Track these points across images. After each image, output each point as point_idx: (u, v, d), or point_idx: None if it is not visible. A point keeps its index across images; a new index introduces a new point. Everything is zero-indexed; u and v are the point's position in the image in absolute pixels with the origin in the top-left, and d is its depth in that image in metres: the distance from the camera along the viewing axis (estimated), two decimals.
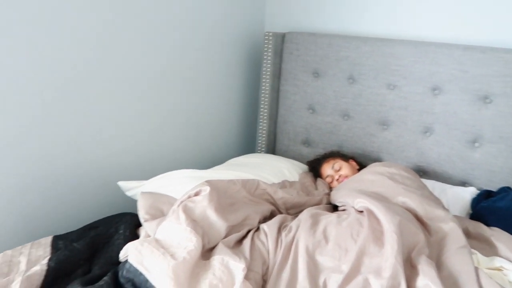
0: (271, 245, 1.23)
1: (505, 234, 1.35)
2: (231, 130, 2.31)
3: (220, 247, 1.19)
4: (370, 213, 1.30)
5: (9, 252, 1.16)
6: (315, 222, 1.32)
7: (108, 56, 1.56)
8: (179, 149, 1.98)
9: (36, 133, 1.41)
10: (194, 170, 1.66)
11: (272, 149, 2.28)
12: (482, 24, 1.69)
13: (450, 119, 1.74)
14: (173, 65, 1.84)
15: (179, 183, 1.53)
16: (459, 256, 1.19)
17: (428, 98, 1.78)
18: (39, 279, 1.04)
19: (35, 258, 1.15)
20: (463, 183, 1.78)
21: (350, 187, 1.57)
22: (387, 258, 1.13)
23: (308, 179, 1.81)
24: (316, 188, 1.75)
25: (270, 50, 2.07)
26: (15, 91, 1.32)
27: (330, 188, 1.77)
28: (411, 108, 1.83)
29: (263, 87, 2.14)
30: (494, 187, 1.68)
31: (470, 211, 1.61)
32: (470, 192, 1.67)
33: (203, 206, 1.27)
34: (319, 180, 1.83)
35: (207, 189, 1.32)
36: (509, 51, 1.58)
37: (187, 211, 1.25)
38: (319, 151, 2.11)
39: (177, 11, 1.77)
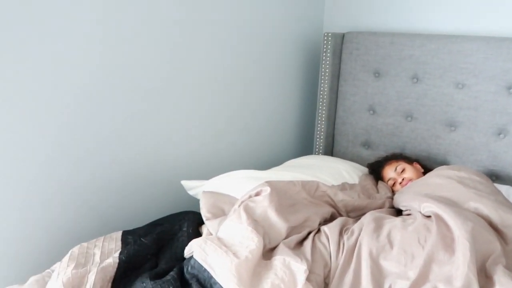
0: (333, 247, 1.21)
1: None
2: (288, 131, 2.30)
3: (282, 248, 1.19)
4: (439, 218, 1.23)
5: (85, 244, 1.25)
6: (378, 226, 1.28)
7: (175, 63, 1.63)
8: (238, 150, 2.02)
9: (112, 138, 1.51)
10: (253, 170, 1.67)
11: (330, 151, 2.24)
12: None
13: None
14: (234, 68, 1.87)
15: (239, 183, 1.55)
16: None
17: (502, 97, 1.66)
18: (112, 271, 1.10)
19: (108, 251, 1.23)
20: None
21: (415, 190, 1.50)
22: (459, 266, 1.07)
23: (369, 182, 1.76)
24: (378, 191, 1.70)
25: (329, 50, 2.05)
26: (91, 94, 1.42)
27: (393, 192, 1.71)
28: (482, 108, 1.72)
29: (322, 88, 2.12)
30: None
31: None
32: None
33: (264, 206, 1.28)
34: (380, 183, 1.77)
35: (267, 189, 1.33)
36: None
37: (248, 211, 1.27)
38: (380, 153, 2.05)
39: (235, 14, 1.80)
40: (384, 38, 1.92)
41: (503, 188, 1.57)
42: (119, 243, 1.27)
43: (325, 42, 2.05)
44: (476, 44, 1.68)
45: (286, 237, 1.25)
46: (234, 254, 1.11)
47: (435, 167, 1.86)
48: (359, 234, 1.26)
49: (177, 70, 1.65)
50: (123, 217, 1.63)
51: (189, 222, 1.41)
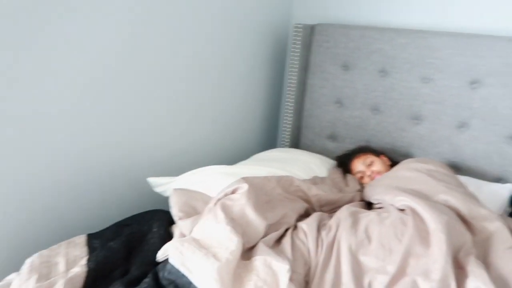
0: (311, 245, 1.20)
1: None
2: (254, 124, 2.26)
3: (261, 247, 1.15)
4: (414, 212, 1.25)
5: (45, 252, 1.13)
6: (355, 220, 1.28)
7: (136, 53, 1.51)
8: (204, 144, 1.95)
9: (67, 132, 1.38)
10: (225, 166, 1.62)
11: (296, 144, 2.24)
12: None
13: (489, 114, 1.68)
14: (199, 61, 1.78)
15: (211, 180, 1.49)
16: (508, 257, 1.14)
17: (465, 92, 1.72)
18: (81, 281, 1.01)
19: (73, 259, 1.13)
20: (499, 180, 1.72)
21: (386, 183, 1.52)
22: (436, 259, 1.08)
23: (338, 175, 1.77)
24: (347, 185, 1.71)
25: (299, 42, 2.02)
26: (50, 89, 1.29)
27: (361, 185, 1.73)
28: (446, 102, 1.77)
29: (290, 80, 2.09)
30: None
31: (509, 209, 1.55)
32: (507, 189, 1.61)
33: (242, 204, 1.24)
34: (349, 176, 1.78)
35: (244, 186, 1.28)
36: None
37: (225, 210, 1.22)
38: (346, 145, 2.07)
39: (200, 5, 1.70)
40: (354, 31, 1.92)
41: (462, 179, 1.63)
42: (85, 249, 1.17)
43: (295, 33, 2.02)
44: (443, 40, 1.71)
45: (264, 235, 1.22)
46: (214, 256, 1.06)
47: (400, 159, 1.90)
48: (336, 230, 1.25)
49: (140, 63, 1.53)
50: (84, 218, 1.52)
51: (159, 222, 1.34)
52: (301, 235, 1.24)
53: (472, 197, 1.39)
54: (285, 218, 1.29)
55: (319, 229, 1.27)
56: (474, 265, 1.09)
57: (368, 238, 1.21)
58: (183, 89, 1.74)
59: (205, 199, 1.41)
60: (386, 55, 1.87)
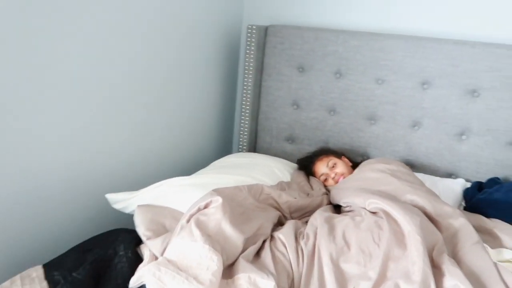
0: (292, 256, 1.17)
1: (506, 225, 1.40)
2: (208, 129, 2.18)
3: (242, 264, 1.10)
4: (387, 214, 1.27)
5: None
6: (331, 227, 1.27)
7: (78, 63, 1.36)
8: (158, 154, 1.82)
9: (17, 151, 1.21)
10: (189, 177, 1.54)
11: (253, 147, 2.20)
12: (473, 19, 1.72)
13: (439, 113, 1.77)
14: (147, 67, 1.63)
15: (178, 192, 1.40)
16: (476, 252, 1.20)
17: (418, 93, 1.80)
18: None
19: None
20: (450, 175, 1.83)
21: (353, 186, 1.54)
22: (414, 261, 1.11)
23: (302, 179, 1.76)
24: (312, 188, 1.71)
25: (253, 44, 1.98)
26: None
27: (325, 187, 1.74)
28: (400, 103, 1.84)
29: (245, 83, 2.05)
30: (480, 178, 1.75)
31: (463, 203, 1.65)
32: (460, 184, 1.71)
33: (217, 219, 1.17)
34: (312, 179, 1.79)
35: (218, 199, 1.21)
36: (500, 46, 1.63)
37: (201, 226, 1.14)
38: (304, 147, 2.07)
39: (149, 6, 1.59)
40: (308, 33, 1.92)
41: (418, 176, 1.70)
42: (45, 284, 1.03)
43: (249, 35, 1.97)
44: (395, 42, 1.77)
45: (243, 250, 1.16)
46: (196, 279, 0.99)
47: (359, 160, 1.95)
48: (315, 238, 1.23)
49: (87, 74, 1.38)
50: (36, 244, 1.35)
51: (125, 244, 1.22)
52: (279, 246, 1.21)
53: (434, 195, 1.45)
54: (261, 230, 1.25)
55: (296, 238, 1.25)
56: (448, 263, 1.12)
57: (347, 244, 1.20)
58: (131, 97, 1.60)
59: (174, 215, 1.32)
60: (341, 57, 1.89)
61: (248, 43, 1.98)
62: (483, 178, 1.74)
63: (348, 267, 1.14)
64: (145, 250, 1.22)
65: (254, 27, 1.95)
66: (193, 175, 1.58)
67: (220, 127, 2.28)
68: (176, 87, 1.83)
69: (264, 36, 2.02)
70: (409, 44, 1.75)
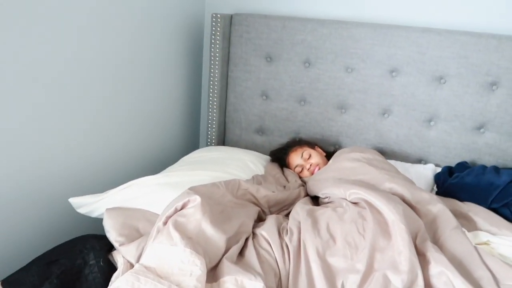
0: (277, 253, 1.12)
1: (480, 208, 1.43)
2: (174, 123, 2.08)
3: (227, 265, 1.03)
4: (369, 204, 1.25)
5: None
6: (314, 220, 1.24)
7: (25, 58, 1.23)
8: (122, 152, 1.70)
9: None
10: (159, 175, 1.44)
11: (222, 140, 2.13)
12: (439, 7, 1.73)
13: (408, 100, 1.79)
14: (105, 60, 1.50)
15: (150, 193, 1.31)
16: (456, 237, 1.21)
17: (387, 81, 1.80)
18: None
19: None
20: (420, 161, 1.86)
21: (329, 176, 1.52)
22: (400, 251, 1.10)
23: (277, 171, 1.72)
24: (287, 180, 1.67)
25: (218, 33, 1.89)
26: None
27: (300, 178, 1.71)
28: (370, 90, 1.83)
29: (212, 74, 1.96)
30: (449, 163, 1.79)
31: (435, 188, 1.68)
32: (430, 169, 1.74)
33: (197, 219, 1.10)
34: (287, 171, 1.75)
35: (196, 198, 1.14)
36: (465, 33, 1.66)
37: (179, 228, 1.07)
38: (275, 139, 2.03)
39: None
40: (276, 21, 1.87)
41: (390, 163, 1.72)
42: None
43: (213, 24, 1.88)
44: (364, 30, 1.76)
45: (226, 251, 1.10)
46: (179, 286, 0.92)
47: (331, 149, 1.94)
48: (299, 233, 1.19)
49: (30, 69, 1.23)
50: None
51: (95, 252, 1.12)
52: (263, 243, 1.15)
53: (411, 182, 1.46)
54: (243, 227, 1.19)
55: (280, 233, 1.20)
56: (433, 250, 1.12)
57: (332, 237, 1.17)
58: (86, 93, 1.45)
59: (148, 217, 1.23)
60: (309, 45, 1.86)
61: (213, 32, 1.89)
62: (452, 163, 1.77)
63: (335, 261, 1.11)
64: (119, 258, 1.13)
65: (218, 15, 1.87)
66: (163, 173, 1.48)
67: (186, 121, 2.18)
68: (135, 81, 1.69)
69: (229, 25, 1.94)
70: (377, 32, 1.75)
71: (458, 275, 1.04)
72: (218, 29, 1.89)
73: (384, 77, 1.80)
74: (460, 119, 1.74)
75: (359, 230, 1.18)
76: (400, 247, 1.10)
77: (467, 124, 1.74)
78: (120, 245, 1.14)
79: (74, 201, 1.31)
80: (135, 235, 1.18)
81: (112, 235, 1.16)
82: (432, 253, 1.11)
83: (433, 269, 1.08)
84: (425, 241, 1.17)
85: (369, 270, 1.09)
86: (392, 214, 1.18)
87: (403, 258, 1.08)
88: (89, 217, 1.36)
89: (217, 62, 1.94)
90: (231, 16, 1.93)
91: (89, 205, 1.32)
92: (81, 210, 1.33)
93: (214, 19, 1.88)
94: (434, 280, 1.07)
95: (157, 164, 1.93)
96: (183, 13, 1.94)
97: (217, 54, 1.93)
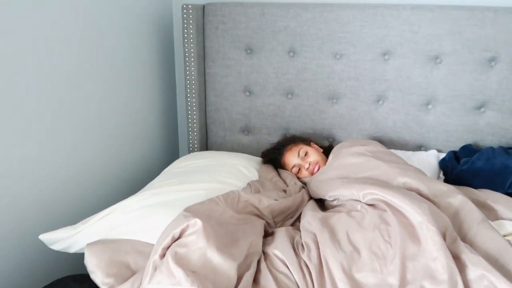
0: (297, 275, 0.97)
1: (498, 194, 1.33)
2: (148, 131, 1.86)
3: None
4: (389, 205, 1.12)
5: None
6: (331, 230, 1.09)
7: None
8: (95, 170, 1.48)
9: None
10: (145, 194, 1.23)
11: (204, 144, 1.94)
12: None
13: (404, 84, 1.67)
14: (61, 67, 1.26)
15: (137, 218, 1.11)
16: (485, 232, 1.09)
17: (379, 65, 1.67)
18: None
19: None
20: (420, 147, 1.75)
21: (334, 175, 1.38)
22: (435, 257, 0.97)
23: (273, 174, 1.56)
24: (286, 183, 1.51)
25: (191, 26, 1.70)
26: None
27: (299, 179, 1.56)
28: (362, 77, 1.70)
29: (188, 72, 1.77)
30: (451, 147, 1.69)
31: (442, 176, 1.58)
32: (434, 156, 1.64)
33: (201, 248, 0.92)
34: (283, 172, 1.59)
35: (196, 222, 0.96)
36: (457, 7, 1.55)
37: (181, 262, 0.89)
38: (263, 137, 1.87)
39: None
40: (253, 9, 1.69)
41: None
42: None
43: (184, 16, 1.69)
44: (351, 12, 1.62)
45: (238, 281, 0.93)
46: None
47: (325, 144, 1.80)
48: (317, 247, 1.04)
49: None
50: None
51: None
52: (279, 265, 1.00)
53: (423, 173, 1.34)
54: (252, 248, 1.02)
55: (295, 250, 1.04)
56: (467, 251, 1.00)
57: (356, 249, 1.03)
58: (41, 104, 1.22)
59: (139, 248, 1.04)
60: (293, 33, 1.70)
61: (185, 25, 1.70)
62: (454, 147, 1.68)
63: (364, 277, 0.97)
64: None
65: (190, 6, 1.67)
66: (147, 191, 1.27)
67: (162, 127, 1.98)
68: (97, 87, 1.45)
69: (202, 16, 1.75)
70: (365, 13, 1.61)
71: (501, 277, 0.92)
72: (190, 21, 1.69)
73: (377, 61, 1.67)
74: (459, 99, 1.64)
75: (384, 237, 1.04)
76: (433, 252, 0.98)
77: (467, 104, 1.64)
78: (110, 287, 0.95)
79: (45, 237, 1.10)
80: (126, 273, 0.99)
81: (98, 277, 0.97)
82: (467, 255, 0.99)
83: (472, 273, 0.96)
84: (455, 241, 1.05)
85: (403, 283, 0.95)
86: (418, 215, 1.05)
87: (440, 265, 0.95)
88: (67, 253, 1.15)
89: (192, 59, 1.75)
90: (204, 6, 1.74)
91: (65, 240, 1.11)
92: (56, 247, 1.12)
93: (185, 11, 1.68)
94: (474, 286, 0.95)
95: (136, 179, 1.73)
96: (147, 6, 1.73)
97: (191, 50, 1.73)
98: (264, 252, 1.06)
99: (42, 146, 1.21)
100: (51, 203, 1.27)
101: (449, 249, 1.03)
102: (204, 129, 1.92)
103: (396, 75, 1.67)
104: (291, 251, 1.02)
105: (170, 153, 2.06)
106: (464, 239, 1.11)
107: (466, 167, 1.43)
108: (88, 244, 1.04)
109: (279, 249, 1.03)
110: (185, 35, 1.71)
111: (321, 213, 1.19)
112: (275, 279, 0.95)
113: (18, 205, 1.15)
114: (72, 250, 1.12)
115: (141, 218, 1.10)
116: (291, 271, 0.97)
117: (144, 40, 1.73)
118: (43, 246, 1.14)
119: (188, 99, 1.81)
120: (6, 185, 1.10)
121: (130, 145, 1.71)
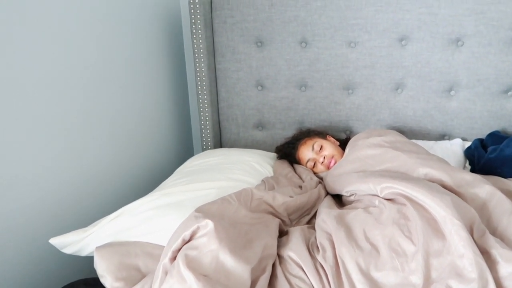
0: (314, 279, 0.91)
1: None
2: (161, 130, 1.84)
3: None
4: (409, 199, 1.05)
5: None
6: (347, 228, 1.04)
7: None
8: (107, 171, 1.47)
9: None
10: (156, 194, 1.20)
11: (218, 141, 1.91)
12: None
13: (423, 70, 1.59)
14: (75, 68, 1.26)
15: (147, 219, 1.08)
16: None
17: (396, 51, 1.59)
18: None
19: None
20: (443, 136, 1.67)
21: (350, 169, 1.31)
22: (462, 253, 0.90)
23: (288, 169, 1.51)
24: (302, 179, 1.46)
25: (199, 21, 1.66)
26: None
27: (315, 174, 1.51)
28: (378, 64, 1.63)
29: (198, 69, 1.73)
30: (476, 135, 1.60)
31: (467, 166, 1.49)
32: (458, 145, 1.56)
33: (213, 251, 0.88)
34: (298, 167, 1.54)
35: (207, 223, 0.92)
36: None
37: (192, 265, 0.85)
38: (277, 132, 1.82)
39: None
40: (262, 0, 1.64)
41: None
42: None
43: (192, 11, 1.65)
44: None
45: (253, 285, 0.89)
46: None
47: (342, 136, 1.74)
48: (333, 247, 0.99)
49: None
50: None
51: None
52: (294, 269, 0.94)
53: (446, 163, 1.26)
54: (267, 250, 0.98)
55: (310, 252, 0.99)
56: (497, 246, 0.93)
57: (374, 247, 0.97)
58: (57, 106, 1.23)
59: (149, 251, 1.01)
60: (304, 22, 1.64)
61: (193, 21, 1.66)
62: (480, 134, 1.59)
63: (383, 276, 0.91)
64: None
65: (196, 0, 1.63)
66: (159, 192, 1.24)
67: (175, 125, 1.95)
68: (110, 88, 1.44)
69: (209, 10, 1.70)
70: None
71: None
72: (198, 16, 1.65)
73: (393, 47, 1.59)
74: (484, 83, 1.55)
75: (404, 232, 0.98)
76: (460, 248, 0.91)
77: (492, 88, 1.55)
78: None
79: (55, 241, 1.08)
80: (137, 276, 0.97)
81: (108, 281, 0.95)
82: (498, 249, 0.92)
83: (503, 269, 0.89)
84: (484, 235, 0.98)
85: (427, 281, 0.89)
86: (440, 209, 0.97)
87: (467, 262, 0.88)
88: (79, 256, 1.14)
89: (201, 55, 1.71)
90: (211, 0, 1.70)
91: (75, 243, 1.09)
92: (67, 250, 1.11)
93: (192, 6, 1.64)
94: (506, 283, 0.87)
95: (149, 180, 1.71)
96: (156, 3, 1.70)
97: (200, 46, 1.69)
98: (278, 255, 1.01)
99: (53, 147, 1.20)
100: (64, 206, 1.26)
101: (477, 244, 0.96)
102: (217, 126, 1.88)
103: (414, 60, 1.58)
104: (306, 252, 0.97)
105: (184, 151, 2.03)
106: (494, 232, 1.03)
107: (495, 155, 1.34)
108: (97, 248, 1.02)
109: (294, 251, 0.98)
110: (193, 31, 1.68)
111: (336, 211, 1.14)
112: (290, 284, 0.90)
113: (30, 209, 1.14)
114: (84, 253, 1.10)
115: (151, 219, 1.07)
116: (307, 274, 0.92)
117: (153, 38, 1.70)
118: (55, 250, 1.13)
119: (200, 96, 1.77)
120: (17, 189, 1.09)
121: (143, 145, 1.69)
